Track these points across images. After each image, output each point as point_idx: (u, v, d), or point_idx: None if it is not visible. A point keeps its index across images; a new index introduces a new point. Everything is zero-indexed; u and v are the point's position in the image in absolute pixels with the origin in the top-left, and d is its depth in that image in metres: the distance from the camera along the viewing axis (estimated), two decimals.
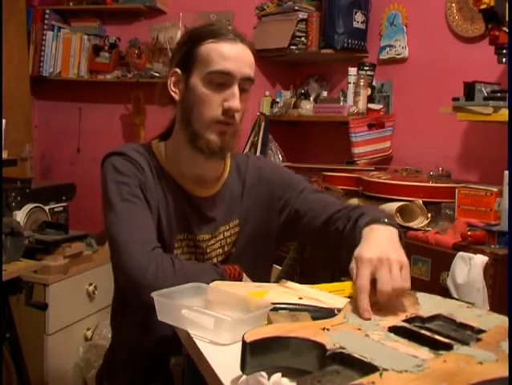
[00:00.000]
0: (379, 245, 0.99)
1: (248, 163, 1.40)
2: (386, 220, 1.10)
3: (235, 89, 1.22)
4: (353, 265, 0.98)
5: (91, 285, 2.53)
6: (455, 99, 1.96)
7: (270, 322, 0.90)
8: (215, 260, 1.33)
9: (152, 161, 1.30)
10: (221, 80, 1.22)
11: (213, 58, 1.22)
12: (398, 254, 0.98)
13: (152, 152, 1.33)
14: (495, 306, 1.60)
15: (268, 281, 1.43)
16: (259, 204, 1.37)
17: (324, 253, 1.42)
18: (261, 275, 1.34)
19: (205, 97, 1.23)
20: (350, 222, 1.22)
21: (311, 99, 2.96)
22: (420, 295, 0.97)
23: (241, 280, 1.22)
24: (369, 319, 0.86)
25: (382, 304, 0.91)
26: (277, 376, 0.72)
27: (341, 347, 0.73)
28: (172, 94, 1.29)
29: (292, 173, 1.46)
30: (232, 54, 1.22)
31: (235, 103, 1.21)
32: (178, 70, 1.27)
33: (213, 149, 1.24)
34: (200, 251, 1.32)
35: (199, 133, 1.24)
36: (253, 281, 1.24)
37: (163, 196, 1.28)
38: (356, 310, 0.89)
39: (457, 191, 1.89)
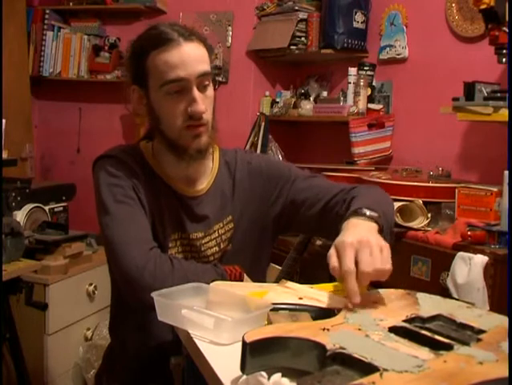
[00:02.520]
0: (358, 232, 1.01)
1: (237, 158, 1.39)
2: (368, 214, 1.10)
3: (194, 92, 1.21)
4: (332, 251, 0.98)
5: (91, 285, 2.53)
6: (455, 99, 1.96)
7: (270, 322, 0.90)
8: (211, 258, 1.32)
9: (141, 162, 1.30)
10: (177, 88, 1.21)
11: (161, 70, 1.20)
12: (377, 238, 1.00)
13: (141, 153, 1.33)
14: (495, 306, 1.60)
15: (264, 277, 1.43)
16: (252, 198, 1.36)
17: (326, 239, 1.41)
18: (258, 271, 1.34)
19: (168, 108, 1.22)
20: (344, 205, 1.23)
21: (311, 99, 2.96)
22: (420, 295, 0.96)
23: (242, 281, 1.22)
24: (358, 303, 0.88)
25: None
26: (277, 376, 0.72)
27: (341, 347, 0.73)
28: (139, 110, 1.29)
29: (282, 163, 1.45)
30: (178, 60, 1.20)
31: (198, 107, 1.20)
32: (137, 87, 1.27)
33: (192, 154, 1.25)
34: (194, 250, 1.31)
35: (174, 141, 1.25)
36: (250, 277, 1.24)
37: (154, 196, 1.28)
38: (343, 294, 0.91)
39: (457, 191, 1.89)
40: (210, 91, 1.25)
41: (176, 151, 1.26)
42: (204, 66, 1.23)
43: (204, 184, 1.34)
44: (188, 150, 1.24)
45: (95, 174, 1.28)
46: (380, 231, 1.08)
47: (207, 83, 1.24)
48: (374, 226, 1.08)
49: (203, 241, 1.32)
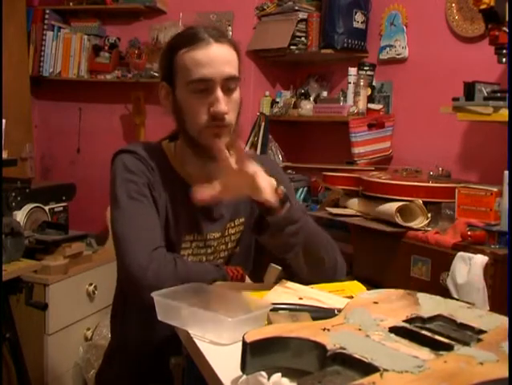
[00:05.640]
0: None
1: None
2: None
3: (218, 93, 1.21)
4: None
5: (91, 285, 2.53)
6: (455, 99, 1.96)
7: (270, 322, 0.91)
8: (221, 259, 1.33)
9: (161, 161, 1.31)
10: (203, 87, 1.21)
11: (189, 68, 1.21)
12: None
13: (162, 152, 1.33)
14: (495, 306, 1.60)
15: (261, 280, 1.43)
16: None
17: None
18: (259, 275, 1.34)
19: (192, 106, 1.23)
20: None
21: (311, 99, 2.96)
22: (421, 295, 0.96)
23: (243, 282, 1.22)
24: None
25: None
26: (277, 376, 0.73)
27: (341, 348, 0.73)
28: (165, 106, 1.30)
29: (289, 184, 1.45)
30: (207, 59, 1.21)
31: (220, 107, 1.20)
32: (165, 84, 1.28)
33: (213, 154, 1.24)
34: (210, 251, 1.32)
35: (195, 140, 1.25)
36: (254, 281, 1.24)
37: (171, 195, 1.28)
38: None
39: (457, 191, 1.89)
40: (236, 95, 1.25)
41: (197, 150, 1.26)
42: (231, 69, 1.23)
43: None
44: (210, 151, 1.23)
45: (113, 167, 1.28)
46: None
47: (233, 86, 1.24)
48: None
49: (219, 242, 1.32)
